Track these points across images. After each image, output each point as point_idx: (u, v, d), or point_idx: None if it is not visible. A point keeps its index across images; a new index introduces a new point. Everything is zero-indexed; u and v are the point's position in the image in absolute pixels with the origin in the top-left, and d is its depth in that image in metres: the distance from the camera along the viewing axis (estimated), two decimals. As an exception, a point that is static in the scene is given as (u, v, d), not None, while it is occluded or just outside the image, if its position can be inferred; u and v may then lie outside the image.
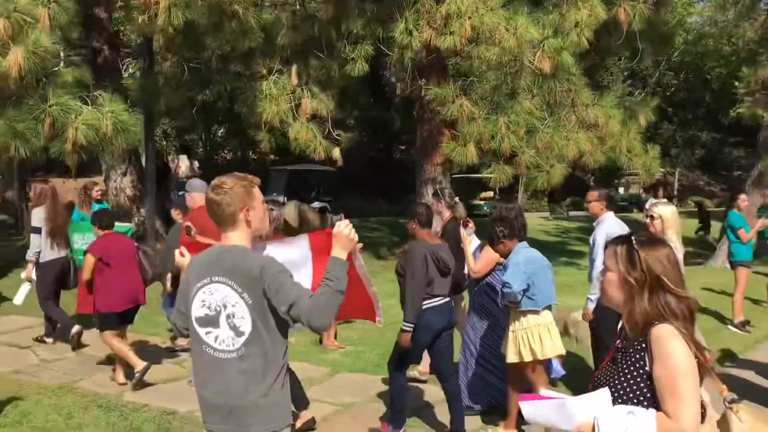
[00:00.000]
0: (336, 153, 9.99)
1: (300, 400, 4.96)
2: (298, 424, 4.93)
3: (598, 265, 4.92)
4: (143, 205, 10.52)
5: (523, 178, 21.02)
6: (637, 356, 2.09)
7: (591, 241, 5.51)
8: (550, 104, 10.23)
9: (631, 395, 2.09)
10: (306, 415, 4.99)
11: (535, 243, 5.65)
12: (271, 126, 9.75)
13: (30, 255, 7.17)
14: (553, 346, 4.68)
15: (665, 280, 2.10)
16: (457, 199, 6.42)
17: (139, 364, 5.81)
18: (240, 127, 24.15)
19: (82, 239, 8.37)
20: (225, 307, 2.57)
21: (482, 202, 24.92)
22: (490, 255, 5.23)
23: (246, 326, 2.54)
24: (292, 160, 23.73)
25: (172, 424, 5.24)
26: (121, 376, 5.97)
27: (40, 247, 7.12)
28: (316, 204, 18.23)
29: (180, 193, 11.30)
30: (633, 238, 2.22)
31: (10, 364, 6.50)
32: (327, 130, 9.94)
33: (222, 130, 25.38)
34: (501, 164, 9.79)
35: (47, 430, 5.05)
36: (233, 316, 2.56)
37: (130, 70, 12.09)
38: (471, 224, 5.72)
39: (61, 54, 8.88)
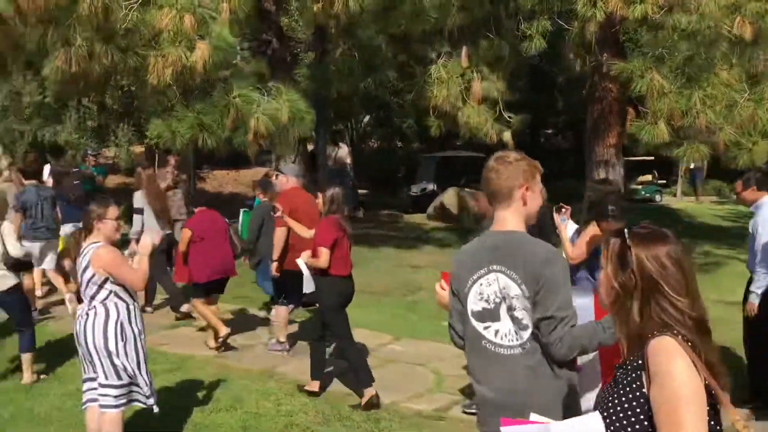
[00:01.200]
0: (507, 136, 9.57)
1: (366, 377, 5.16)
2: (363, 401, 5.11)
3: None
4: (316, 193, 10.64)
5: (683, 162, 19.49)
6: (633, 375, 1.71)
7: (750, 229, 5.14)
8: (750, 75, 9.18)
9: (625, 422, 1.69)
10: (370, 392, 5.11)
11: (713, 229, 5.15)
12: (440, 110, 9.49)
13: (132, 233, 7.60)
14: None
15: (662, 283, 1.70)
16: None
17: (222, 330, 6.33)
18: (387, 116, 24.41)
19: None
20: (504, 298, 2.33)
21: (640, 187, 23.46)
22: (585, 240, 4.86)
23: (528, 319, 2.30)
24: (438, 147, 23.59)
25: (379, 414, 5.10)
26: (211, 341, 6.51)
27: (141, 226, 7.54)
28: None
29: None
30: (627, 231, 1.78)
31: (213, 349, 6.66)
32: (498, 112, 9.52)
33: (367, 118, 25.76)
34: (694, 142, 8.91)
35: (260, 416, 5.08)
36: (514, 308, 2.32)
37: (297, 61, 12.40)
38: (565, 209, 5.36)
39: (238, 48, 9.16)
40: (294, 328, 7.19)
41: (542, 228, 5.74)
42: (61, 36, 8.10)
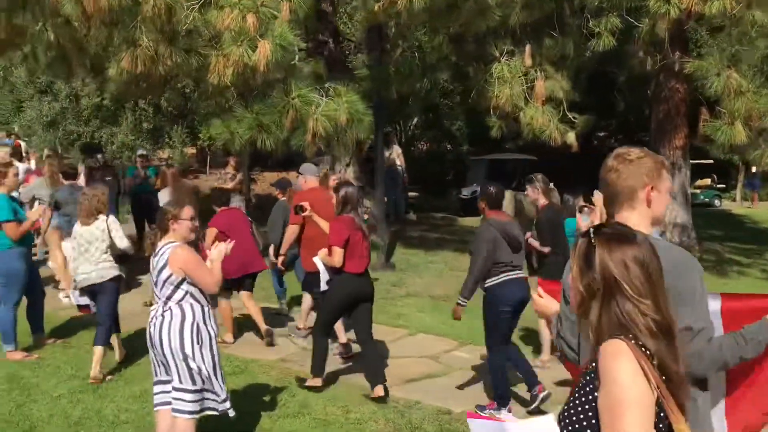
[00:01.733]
0: (571, 138, 9.26)
1: (318, 367, 5.45)
2: (307, 383, 5.45)
3: None
4: (372, 196, 10.53)
5: (761, 166, 18.70)
6: (589, 378, 1.70)
7: None
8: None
9: (578, 426, 1.67)
10: (379, 390, 5.24)
11: None
12: (501, 111, 9.25)
13: None
14: None
15: (624, 285, 1.66)
16: (552, 185, 6.28)
17: (229, 338, 6.77)
18: (436, 118, 24.17)
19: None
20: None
21: (698, 191, 22.71)
22: None
23: None
24: (487, 149, 23.23)
25: (452, 426, 4.92)
26: (228, 336, 6.77)
27: None
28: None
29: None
30: (592, 230, 1.75)
31: (276, 352, 6.58)
32: (562, 112, 9.23)
33: (416, 120, 25.60)
34: (772, 145, 8.48)
35: (329, 423, 4.96)
36: None
37: (348, 62, 12.31)
38: (589, 209, 5.40)
39: (296, 47, 9.10)
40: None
41: (556, 228, 5.93)
42: (126, 37, 8.15)
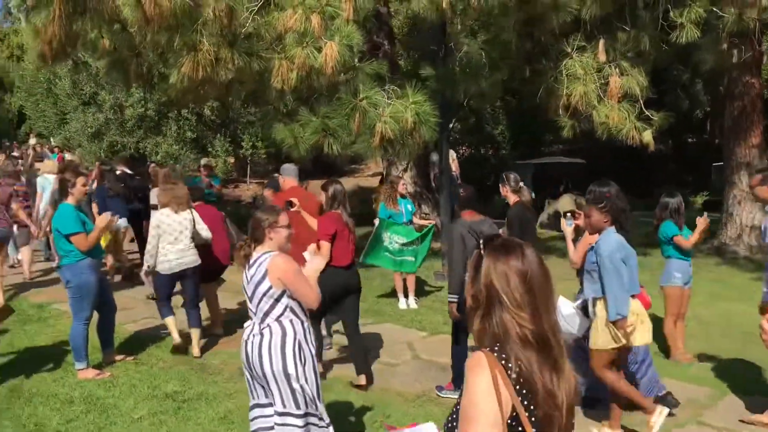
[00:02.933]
0: (648, 137, 8.74)
1: (362, 366, 5.74)
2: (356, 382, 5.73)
3: None
4: (430, 200, 10.13)
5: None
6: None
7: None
8: None
9: None
10: (361, 380, 5.67)
11: None
12: (574, 110, 8.79)
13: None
14: (642, 336, 4.63)
15: (503, 296, 1.70)
16: (522, 183, 6.52)
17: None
18: (477, 123, 23.71)
19: (397, 240, 8.10)
20: None
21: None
22: (583, 246, 5.07)
23: None
24: (530, 154, 22.70)
25: None
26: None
27: None
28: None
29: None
30: (482, 242, 1.82)
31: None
32: (638, 110, 8.73)
33: (455, 124, 25.16)
34: None
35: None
36: None
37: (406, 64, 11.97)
38: (578, 214, 5.47)
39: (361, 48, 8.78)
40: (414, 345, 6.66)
41: (525, 224, 6.15)
42: (186, 42, 7.88)
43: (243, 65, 8.16)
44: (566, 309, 4.87)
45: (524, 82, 9.74)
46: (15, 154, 16.85)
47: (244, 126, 18.52)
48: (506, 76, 9.39)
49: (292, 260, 3.86)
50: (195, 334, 6.62)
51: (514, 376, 1.65)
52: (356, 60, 8.69)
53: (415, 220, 9.05)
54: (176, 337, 6.59)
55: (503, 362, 1.65)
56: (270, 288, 3.75)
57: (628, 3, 9.05)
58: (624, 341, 4.49)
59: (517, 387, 1.64)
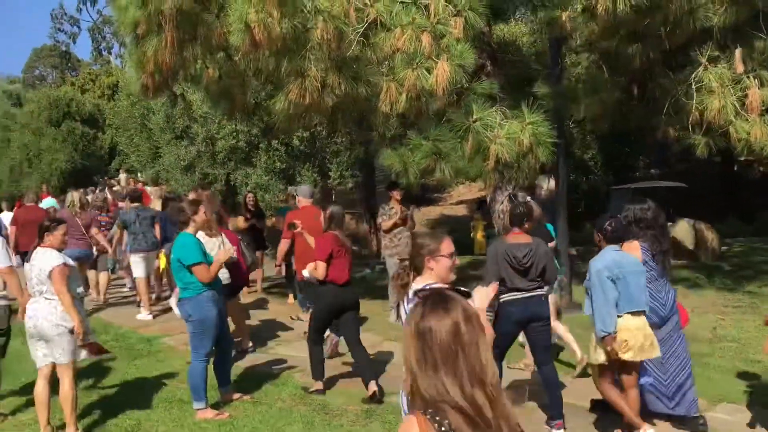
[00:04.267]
0: (793, 153, 7.89)
1: (317, 372, 6.15)
2: (312, 389, 6.12)
3: None
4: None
5: None
6: None
7: None
8: None
9: None
10: (372, 386, 5.83)
11: None
12: (708, 126, 8.04)
13: None
14: (640, 351, 4.68)
15: (430, 357, 1.67)
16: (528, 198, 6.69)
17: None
18: (566, 146, 22.84)
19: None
20: None
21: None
22: None
23: None
24: (624, 179, 21.62)
25: None
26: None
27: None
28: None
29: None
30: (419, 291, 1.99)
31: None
32: (781, 124, 7.88)
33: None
34: None
35: None
36: None
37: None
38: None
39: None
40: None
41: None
42: (293, 68, 7.64)
43: (350, 90, 7.83)
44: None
45: (643, 99, 9.01)
46: (116, 188, 17.26)
47: (331, 155, 18.38)
48: (624, 92, 8.72)
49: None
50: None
51: None
52: (465, 80, 8.22)
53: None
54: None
55: (436, 425, 1.63)
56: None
57: (762, 9, 8.27)
58: (621, 356, 4.65)
59: None
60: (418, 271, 3.49)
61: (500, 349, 5.16)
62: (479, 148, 7.85)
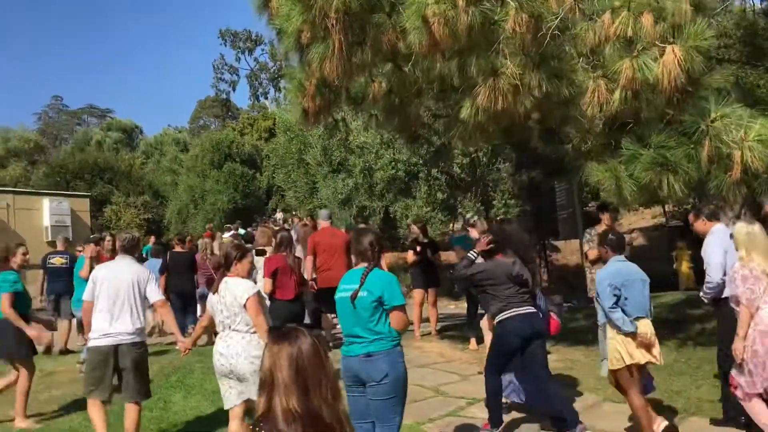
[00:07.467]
0: None
1: None
2: None
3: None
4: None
5: None
6: None
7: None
8: None
9: None
10: None
11: None
12: None
13: None
14: (643, 354, 4.92)
15: (275, 379, 1.95)
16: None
17: None
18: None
19: None
20: None
21: None
22: None
23: None
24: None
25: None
26: None
27: None
28: None
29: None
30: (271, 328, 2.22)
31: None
32: None
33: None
34: None
35: None
36: None
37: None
38: None
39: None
40: None
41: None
42: (482, 67, 6.43)
43: (551, 90, 6.48)
44: None
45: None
46: (286, 226, 16.99)
47: (494, 183, 17.00)
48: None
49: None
50: None
51: None
52: (703, 68, 6.56)
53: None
54: None
55: None
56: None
57: None
58: (635, 359, 4.87)
59: None
60: None
61: (500, 366, 5.55)
62: (719, 156, 6.17)
